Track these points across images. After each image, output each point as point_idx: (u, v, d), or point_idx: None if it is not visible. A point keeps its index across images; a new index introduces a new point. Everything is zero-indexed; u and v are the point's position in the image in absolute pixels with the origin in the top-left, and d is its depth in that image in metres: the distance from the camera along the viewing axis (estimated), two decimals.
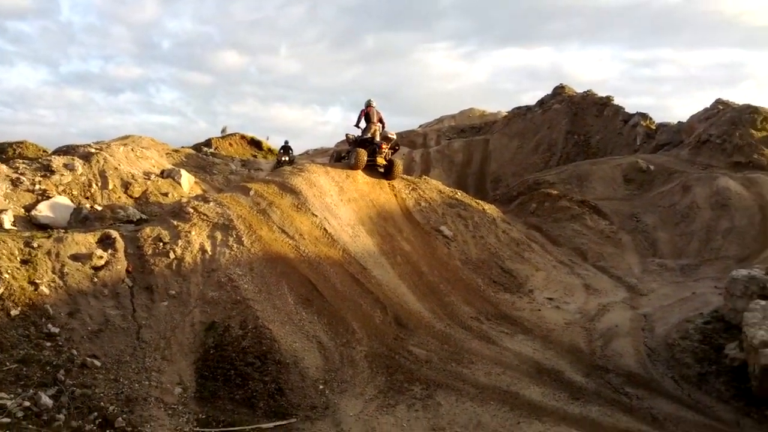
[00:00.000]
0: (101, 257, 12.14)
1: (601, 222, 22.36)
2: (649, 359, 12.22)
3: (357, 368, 11.24)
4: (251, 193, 15.39)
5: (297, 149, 49.85)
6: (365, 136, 18.38)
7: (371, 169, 18.40)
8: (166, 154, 33.74)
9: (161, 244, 13.04)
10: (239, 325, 11.46)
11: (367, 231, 16.07)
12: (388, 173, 18.49)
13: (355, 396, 10.50)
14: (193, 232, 13.42)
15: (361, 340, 12.00)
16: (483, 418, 9.86)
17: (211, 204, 14.49)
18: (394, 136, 18.55)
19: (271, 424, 9.49)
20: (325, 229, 15.10)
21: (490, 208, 20.55)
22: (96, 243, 12.57)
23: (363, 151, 17.86)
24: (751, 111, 30.06)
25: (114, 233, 12.95)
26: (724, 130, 29.59)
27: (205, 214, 14.03)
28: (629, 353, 12.46)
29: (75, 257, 11.97)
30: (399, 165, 18.83)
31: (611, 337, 13.21)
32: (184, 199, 15.57)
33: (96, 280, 11.75)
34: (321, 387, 10.56)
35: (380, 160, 18.31)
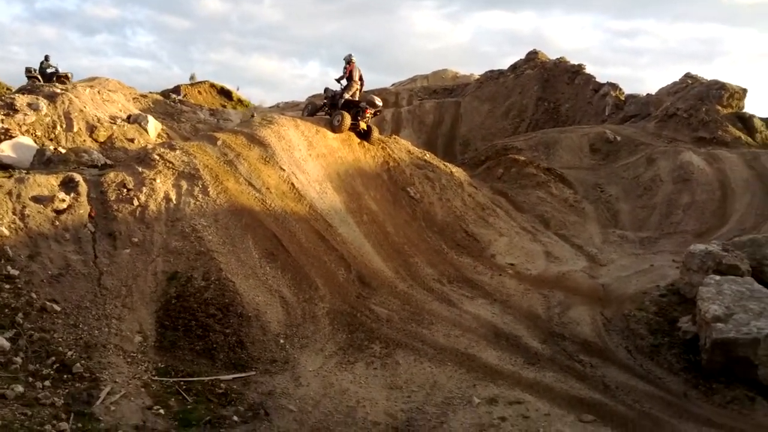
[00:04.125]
0: (63, 200, 11.97)
1: (566, 190, 22.57)
2: (605, 329, 12.49)
3: (318, 324, 11.34)
4: (219, 143, 15.20)
5: (271, 101, 49.14)
6: (347, 95, 18.21)
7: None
8: (133, 98, 32.89)
9: (125, 190, 12.89)
10: (202, 277, 11.44)
11: (335, 188, 16.05)
12: (365, 137, 18.63)
13: (315, 352, 10.63)
14: (158, 180, 13.26)
15: (323, 296, 12.08)
16: (439, 379, 10.06)
17: (178, 152, 14.28)
18: (380, 103, 18.62)
19: (230, 376, 9.56)
20: (292, 183, 15.03)
21: (458, 171, 20.62)
22: (59, 186, 12.38)
23: (348, 115, 17.82)
24: (718, 87, 30.33)
25: (77, 177, 12.74)
26: (691, 104, 29.84)
27: (170, 162, 13.85)
28: (586, 322, 12.72)
29: (36, 199, 11.79)
30: (376, 131, 19.11)
31: (569, 305, 13.46)
32: (150, 146, 15.33)
33: (57, 223, 11.60)
34: (282, 341, 10.65)
35: (362, 125, 18.38)
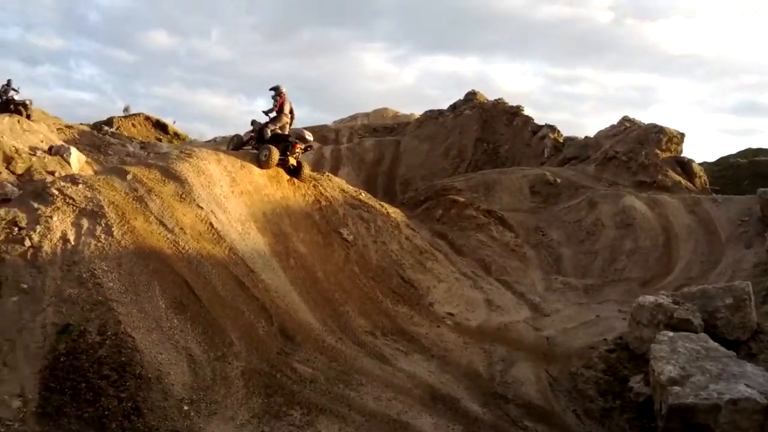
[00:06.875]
0: None
1: (507, 234, 21.77)
2: (551, 389, 11.44)
3: (231, 387, 9.92)
4: (129, 177, 13.66)
5: (210, 135, 47.94)
6: (276, 128, 16.80)
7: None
8: (58, 129, 31.47)
9: (16, 229, 11.32)
10: (97, 330, 9.92)
11: (259, 228, 14.66)
12: (295, 174, 17.17)
13: (224, 420, 9.22)
14: (55, 218, 11.71)
15: (239, 354, 10.66)
16: None
17: (80, 186, 12.74)
18: (311, 138, 17.28)
19: None
20: (210, 223, 13.58)
21: (395, 212, 19.55)
22: None
23: (276, 150, 16.39)
24: (657, 131, 30.42)
25: None
26: (630, 147, 29.76)
27: (71, 198, 12.29)
28: (530, 381, 11.65)
29: None
30: (307, 167, 17.69)
31: (512, 362, 12.39)
32: (50, 179, 13.77)
33: None
34: (186, 408, 9.21)
35: (292, 161, 16.95)
